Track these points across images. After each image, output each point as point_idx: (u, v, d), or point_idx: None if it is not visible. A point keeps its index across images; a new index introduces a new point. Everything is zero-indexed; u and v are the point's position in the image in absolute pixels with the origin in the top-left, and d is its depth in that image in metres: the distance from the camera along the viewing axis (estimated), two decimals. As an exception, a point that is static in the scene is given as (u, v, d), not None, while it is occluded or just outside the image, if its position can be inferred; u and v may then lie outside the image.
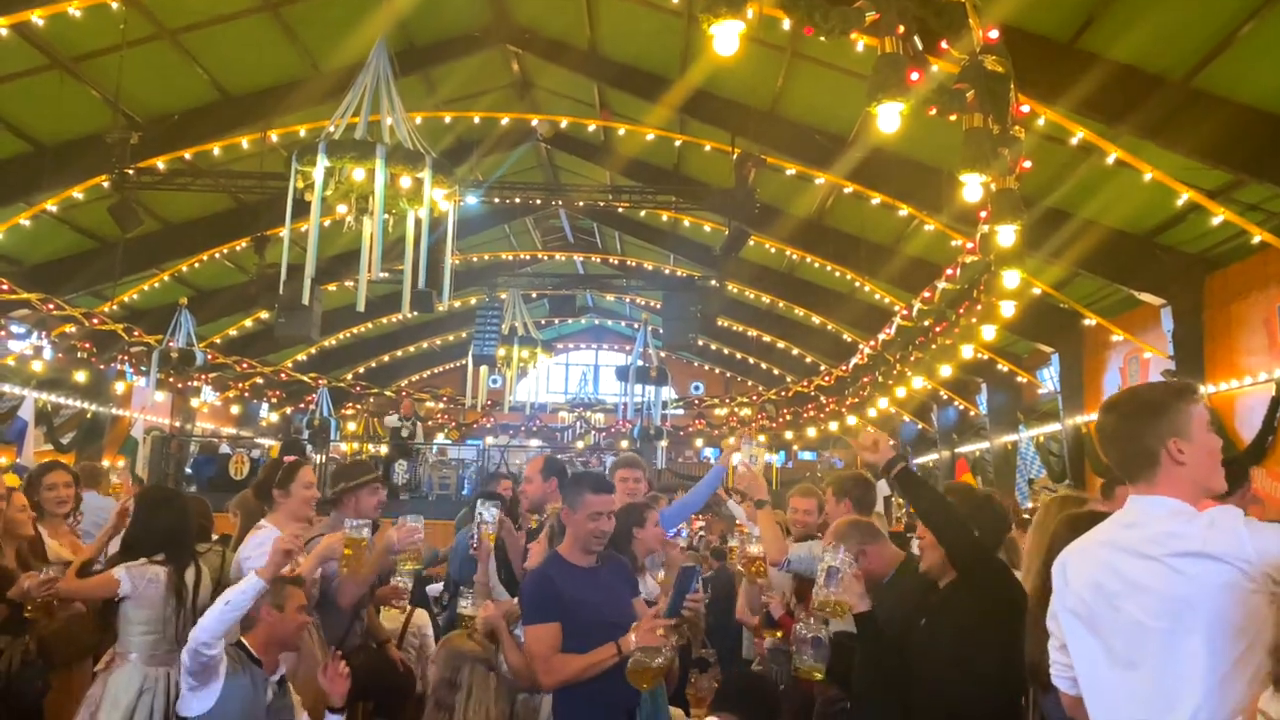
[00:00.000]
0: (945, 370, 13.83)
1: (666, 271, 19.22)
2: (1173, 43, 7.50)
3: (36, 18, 8.56)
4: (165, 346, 13.98)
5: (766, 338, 20.42)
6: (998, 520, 3.45)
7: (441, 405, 22.73)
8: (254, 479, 5.60)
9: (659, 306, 16.64)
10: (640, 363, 17.92)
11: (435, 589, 6.08)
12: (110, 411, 15.53)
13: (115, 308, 14.19)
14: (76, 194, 11.60)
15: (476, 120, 13.03)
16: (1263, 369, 9.30)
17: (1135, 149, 8.48)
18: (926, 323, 12.51)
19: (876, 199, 11.61)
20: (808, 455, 23.99)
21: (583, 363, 28.18)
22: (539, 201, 14.76)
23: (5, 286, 11.87)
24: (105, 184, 10.93)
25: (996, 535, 3.37)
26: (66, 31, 9.07)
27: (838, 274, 14.95)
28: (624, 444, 19.73)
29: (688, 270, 18.04)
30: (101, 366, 14.49)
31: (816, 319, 17.42)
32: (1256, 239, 8.92)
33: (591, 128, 13.86)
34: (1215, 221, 8.94)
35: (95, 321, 13.50)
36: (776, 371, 22.32)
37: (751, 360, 22.78)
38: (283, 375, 19.38)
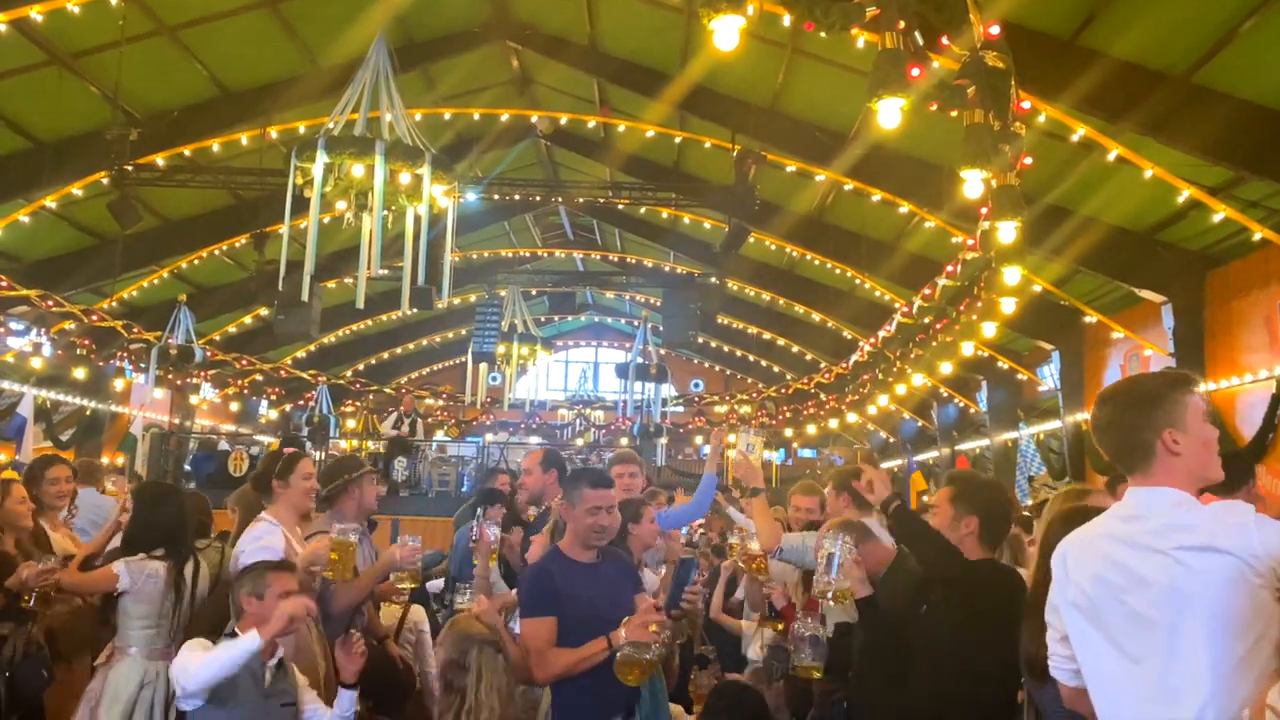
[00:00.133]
0: (946, 367, 13.81)
1: (666, 268, 19.21)
2: (1174, 39, 7.49)
3: (35, 14, 8.54)
4: (164, 343, 13.98)
5: (766, 335, 20.41)
6: (1004, 507, 3.45)
7: (441, 402, 22.73)
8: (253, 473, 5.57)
9: (659, 303, 16.65)
10: (640, 360, 17.95)
11: (436, 585, 6.07)
12: (109, 408, 15.52)
13: (114, 304, 14.20)
14: (76, 190, 11.58)
15: (476, 117, 13.03)
16: (1263, 366, 9.29)
17: (1136, 146, 8.46)
18: (927, 320, 12.49)
19: (877, 196, 11.61)
20: (807, 452, 23.98)
21: (582, 360, 28.16)
22: (539, 198, 14.73)
23: (4, 283, 11.85)
24: (104, 180, 10.89)
25: (1003, 523, 3.38)
26: (65, 27, 9.06)
27: (838, 271, 14.94)
28: (624, 441, 19.74)
29: (688, 267, 18.03)
30: (101, 363, 14.49)
31: (816, 316, 17.41)
32: (1257, 236, 8.91)
33: (591, 124, 13.84)
34: (1216, 218, 8.94)
35: (94, 318, 13.48)
36: (776, 369, 22.30)
37: (751, 357, 22.76)
38: (282, 372, 19.35)
